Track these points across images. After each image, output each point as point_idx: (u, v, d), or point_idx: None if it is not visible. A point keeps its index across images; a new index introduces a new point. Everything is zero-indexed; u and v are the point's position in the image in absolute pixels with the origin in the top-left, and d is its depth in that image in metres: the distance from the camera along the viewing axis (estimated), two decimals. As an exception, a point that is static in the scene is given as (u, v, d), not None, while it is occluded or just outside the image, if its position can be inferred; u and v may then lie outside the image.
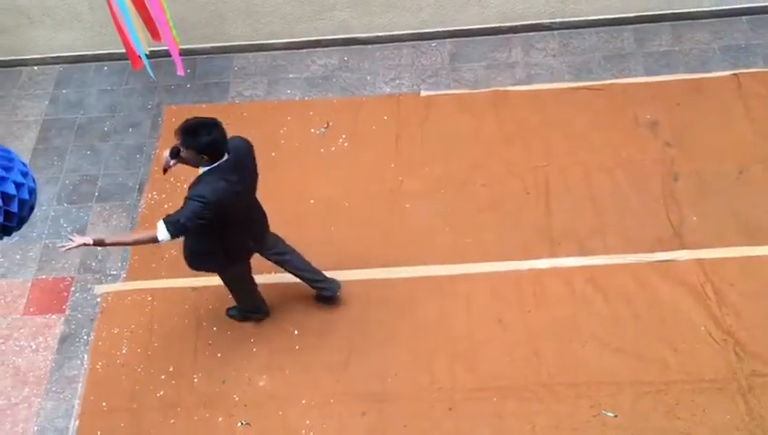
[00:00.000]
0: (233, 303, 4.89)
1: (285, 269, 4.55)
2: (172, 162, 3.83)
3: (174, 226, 3.66)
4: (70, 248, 3.73)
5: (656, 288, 4.71)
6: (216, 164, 3.67)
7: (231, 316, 4.79)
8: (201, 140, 3.55)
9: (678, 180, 5.19)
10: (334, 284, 4.70)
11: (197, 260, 4.13)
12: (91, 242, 3.71)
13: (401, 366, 4.56)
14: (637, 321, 4.60)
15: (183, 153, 3.65)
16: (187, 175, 5.50)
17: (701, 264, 4.77)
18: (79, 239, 3.71)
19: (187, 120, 3.60)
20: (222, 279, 4.39)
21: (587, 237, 4.98)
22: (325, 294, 4.72)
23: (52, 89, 6.22)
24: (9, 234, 2.77)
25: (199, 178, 3.72)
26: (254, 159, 3.92)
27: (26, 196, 2.72)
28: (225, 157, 3.69)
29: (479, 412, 4.35)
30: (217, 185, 3.63)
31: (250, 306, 4.69)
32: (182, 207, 3.67)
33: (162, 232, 3.67)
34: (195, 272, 4.99)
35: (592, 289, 4.75)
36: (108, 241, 3.80)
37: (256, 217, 4.15)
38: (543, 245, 4.97)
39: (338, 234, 5.16)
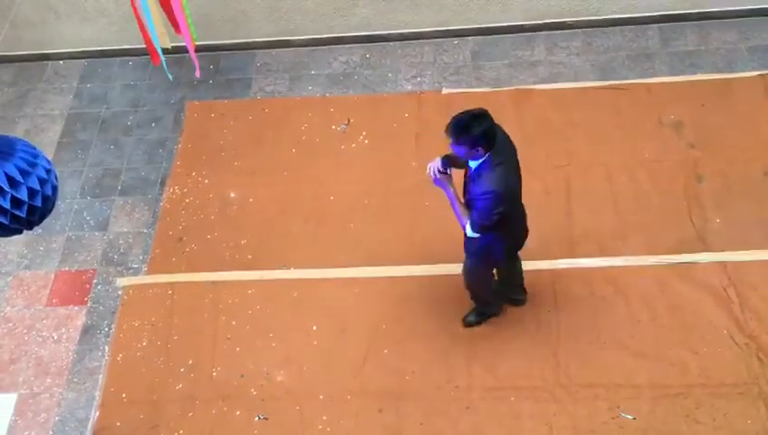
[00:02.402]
0: (252, 300, 4.93)
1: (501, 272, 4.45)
2: (449, 170, 3.73)
3: (475, 225, 3.66)
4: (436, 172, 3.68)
5: (677, 291, 4.67)
6: (486, 156, 3.53)
7: (469, 324, 4.63)
8: (474, 132, 3.40)
9: (702, 182, 5.13)
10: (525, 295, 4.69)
11: (481, 254, 4.03)
12: (447, 188, 3.68)
13: (419, 364, 4.56)
14: (657, 323, 4.56)
15: (457, 150, 3.52)
16: (208, 171, 5.58)
17: (724, 267, 4.72)
18: (444, 182, 3.67)
19: (457, 116, 3.44)
20: (470, 274, 4.27)
21: (608, 238, 4.94)
22: (517, 299, 4.69)
23: (77, 83, 6.29)
24: (20, 232, 2.79)
25: (477, 175, 3.57)
26: (512, 142, 3.71)
27: (39, 203, 2.74)
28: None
29: (496, 412, 4.34)
30: (496, 173, 3.50)
31: (485, 303, 4.57)
32: (475, 208, 3.60)
33: (469, 229, 3.70)
34: (214, 266, 5.09)
35: (613, 290, 4.71)
36: (452, 197, 3.72)
37: (523, 207, 4.03)
38: (563, 245, 4.94)
39: (357, 231, 5.17)
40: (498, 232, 3.77)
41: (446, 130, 3.47)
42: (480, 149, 3.48)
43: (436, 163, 3.71)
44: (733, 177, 5.12)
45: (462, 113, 3.46)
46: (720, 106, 5.48)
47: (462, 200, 3.78)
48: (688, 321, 4.55)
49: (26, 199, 2.68)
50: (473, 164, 3.61)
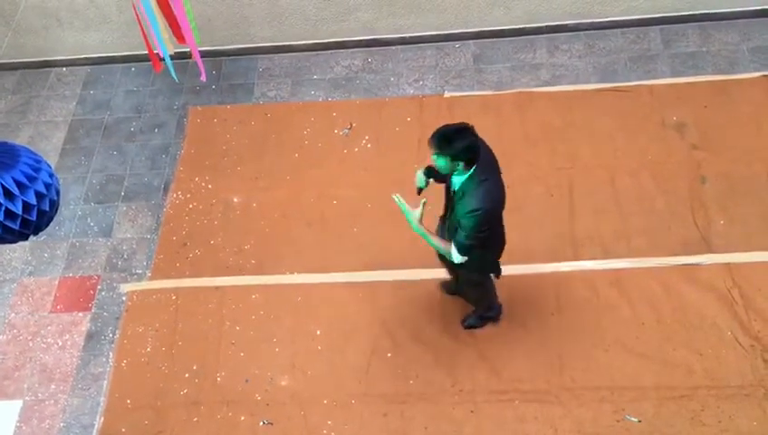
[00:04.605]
0: (256, 305, 4.93)
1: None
2: (430, 181, 3.75)
3: (460, 247, 3.61)
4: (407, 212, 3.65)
5: (681, 292, 4.66)
6: (470, 171, 3.52)
7: (469, 326, 4.64)
8: (457, 146, 3.40)
9: (706, 183, 5.12)
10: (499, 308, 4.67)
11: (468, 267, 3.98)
12: (416, 224, 3.63)
13: (423, 368, 4.56)
14: (661, 325, 4.56)
15: (438, 162, 3.51)
16: (211, 177, 5.59)
17: (728, 268, 4.71)
18: (415, 216, 3.62)
19: (441, 128, 3.45)
20: (467, 284, 4.28)
21: (611, 240, 4.93)
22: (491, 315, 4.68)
23: (80, 90, 6.31)
24: (25, 238, 2.81)
25: (462, 193, 3.55)
26: (495, 157, 3.69)
27: (46, 208, 2.75)
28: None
29: (501, 415, 4.34)
30: (482, 190, 3.50)
31: (485, 306, 4.57)
32: (461, 227, 3.56)
33: (455, 255, 3.64)
34: (218, 272, 5.09)
35: (616, 293, 4.71)
36: (427, 233, 3.68)
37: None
38: (567, 247, 4.94)
39: (360, 235, 5.17)
40: (484, 250, 3.76)
41: (429, 141, 3.48)
42: (461, 163, 3.47)
43: (419, 175, 3.73)
44: (736, 178, 5.11)
45: (446, 126, 3.48)
46: (723, 107, 5.47)
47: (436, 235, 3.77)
48: (693, 323, 4.54)
49: (35, 203, 2.70)
50: (456, 181, 3.60)
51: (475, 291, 4.36)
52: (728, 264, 4.73)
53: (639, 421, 4.24)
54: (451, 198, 3.72)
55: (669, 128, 5.42)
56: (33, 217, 2.70)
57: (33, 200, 2.68)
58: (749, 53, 5.77)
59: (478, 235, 3.54)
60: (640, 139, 5.39)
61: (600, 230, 4.99)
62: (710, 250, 4.82)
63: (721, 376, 4.33)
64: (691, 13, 5.95)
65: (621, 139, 5.41)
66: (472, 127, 3.45)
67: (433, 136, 3.45)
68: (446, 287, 4.77)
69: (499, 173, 3.67)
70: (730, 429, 4.16)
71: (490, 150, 3.66)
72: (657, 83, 5.68)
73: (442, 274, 4.87)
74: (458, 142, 3.41)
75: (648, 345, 4.48)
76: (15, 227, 2.68)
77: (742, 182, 5.08)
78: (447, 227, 3.81)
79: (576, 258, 4.88)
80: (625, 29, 6.04)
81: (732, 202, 5.01)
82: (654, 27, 6.01)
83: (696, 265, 4.75)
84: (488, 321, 4.65)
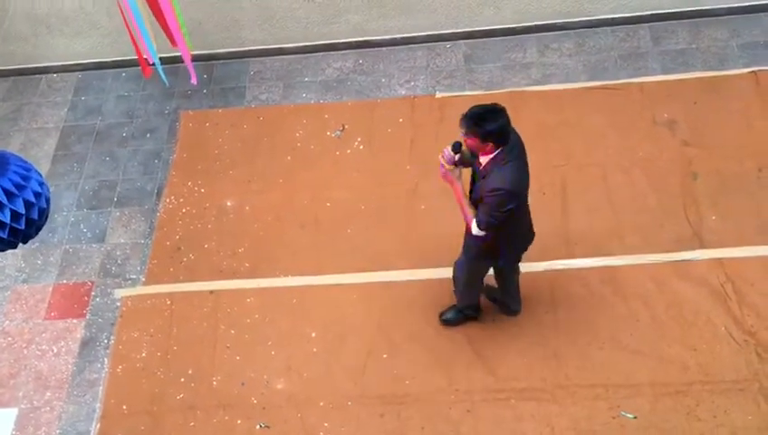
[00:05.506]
0: (251, 308, 4.93)
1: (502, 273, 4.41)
2: (456, 157, 3.72)
3: (482, 223, 3.68)
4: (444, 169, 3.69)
5: (675, 289, 4.68)
6: (497, 151, 3.56)
7: (446, 321, 4.65)
8: (487, 126, 3.44)
9: (697, 179, 5.15)
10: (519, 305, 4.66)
11: (480, 251, 4.02)
12: (454, 183, 3.69)
13: (419, 368, 4.56)
14: (656, 322, 4.57)
15: (466, 141, 3.55)
16: (204, 181, 5.58)
17: (721, 263, 4.73)
18: (452, 177, 3.68)
19: (474, 108, 3.49)
20: (462, 271, 4.25)
21: (604, 238, 4.95)
22: (511, 308, 4.66)
23: (71, 96, 6.29)
24: (14, 247, 2.80)
25: (486, 172, 3.61)
26: (523, 145, 3.73)
27: (35, 216, 2.74)
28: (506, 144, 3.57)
29: (497, 414, 4.35)
30: (505, 171, 3.54)
31: (468, 303, 4.57)
32: (484, 204, 3.62)
33: (475, 227, 3.71)
34: (212, 275, 5.09)
35: (611, 290, 4.72)
36: (460, 193, 3.72)
37: (528, 209, 4.00)
38: (561, 245, 4.95)
39: (354, 236, 5.18)
40: (502, 231, 3.78)
41: (461, 120, 3.50)
42: (490, 144, 3.51)
43: (446, 151, 3.72)
44: (727, 173, 5.14)
45: (478, 106, 3.51)
46: (713, 103, 5.50)
47: (467, 198, 3.78)
48: (687, 318, 4.56)
49: (23, 212, 2.68)
50: (483, 160, 3.63)
51: (465, 280, 4.32)
52: (721, 259, 4.75)
53: (635, 418, 4.26)
54: (476, 176, 3.74)
55: (660, 125, 5.44)
56: (22, 226, 2.69)
57: (22, 209, 2.66)
58: (738, 50, 5.80)
59: (499, 214, 3.59)
60: (631, 136, 5.41)
61: (594, 228, 5.00)
62: (702, 246, 4.84)
63: (715, 371, 4.35)
64: (680, 10, 5.97)
65: (613, 137, 5.42)
66: (505, 110, 3.49)
67: (464, 115, 3.49)
68: (488, 293, 4.70)
69: (525, 159, 3.70)
70: (725, 423, 4.18)
71: (519, 137, 3.70)
72: (647, 81, 5.70)
73: (439, 274, 4.88)
74: (489, 123, 3.45)
75: (642, 342, 4.50)
76: (4, 235, 2.67)
77: (733, 178, 5.11)
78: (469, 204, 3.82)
79: (570, 256, 4.89)
80: (614, 27, 6.06)
81: (723, 198, 5.03)
82: (643, 25, 6.04)
83: (689, 261, 4.77)
84: (467, 318, 4.64)
